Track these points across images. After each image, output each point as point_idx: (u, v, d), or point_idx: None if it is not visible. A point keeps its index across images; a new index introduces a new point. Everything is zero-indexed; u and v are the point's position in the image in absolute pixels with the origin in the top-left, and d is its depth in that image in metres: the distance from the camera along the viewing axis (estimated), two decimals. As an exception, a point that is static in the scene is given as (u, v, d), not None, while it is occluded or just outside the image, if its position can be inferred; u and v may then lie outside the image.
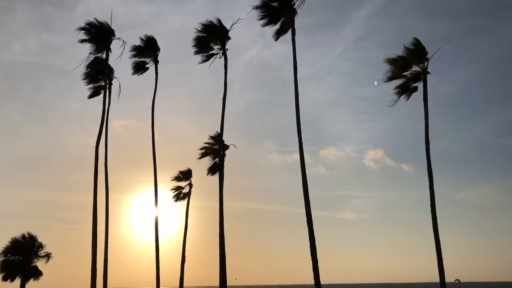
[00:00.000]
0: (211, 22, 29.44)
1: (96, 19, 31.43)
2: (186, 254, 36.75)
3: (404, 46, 23.06)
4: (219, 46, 29.90)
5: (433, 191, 22.40)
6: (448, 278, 22.48)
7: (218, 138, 31.85)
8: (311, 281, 23.72)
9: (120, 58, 32.23)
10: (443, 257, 22.08)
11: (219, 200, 28.21)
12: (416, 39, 23.11)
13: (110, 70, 33.12)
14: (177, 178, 38.35)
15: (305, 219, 24.12)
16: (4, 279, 30.52)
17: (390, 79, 23.86)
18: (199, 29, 29.56)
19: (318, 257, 23.52)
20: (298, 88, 25.58)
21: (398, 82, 24.04)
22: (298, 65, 25.87)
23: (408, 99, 24.09)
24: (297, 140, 25.22)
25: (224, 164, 30.50)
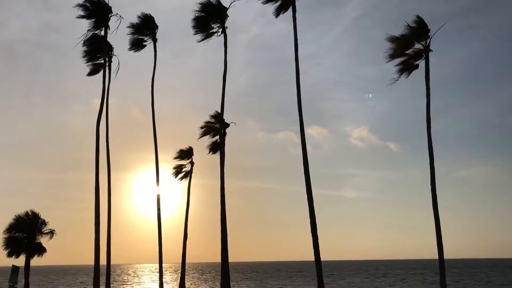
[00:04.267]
0: (209, 0, 29.05)
1: (93, -5, 31.03)
2: (188, 231, 37.22)
3: (406, 23, 22.78)
4: (218, 25, 29.58)
5: (434, 170, 22.46)
6: (447, 255, 22.78)
7: (218, 117, 31.85)
8: (311, 257, 24.08)
9: (115, 32, 31.81)
10: (444, 235, 22.29)
11: (220, 178, 28.41)
12: (418, 16, 22.77)
13: (109, 47, 32.86)
14: (179, 157, 38.50)
15: (305, 196, 24.37)
16: (9, 255, 31.06)
17: (391, 57, 23.61)
18: (197, 9, 29.21)
19: (318, 234, 23.85)
20: (299, 66, 25.49)
21: (399, 60, 23.79)
22: (299, 43, 25.68)
23: (408, 77, 23.87)
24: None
25: (225, 142, 30.65)
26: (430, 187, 22.44)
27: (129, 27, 32.80)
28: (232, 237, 28.73)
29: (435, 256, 22.43)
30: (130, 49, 33.47)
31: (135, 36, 33.29)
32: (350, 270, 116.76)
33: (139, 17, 32.90)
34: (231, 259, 28.25)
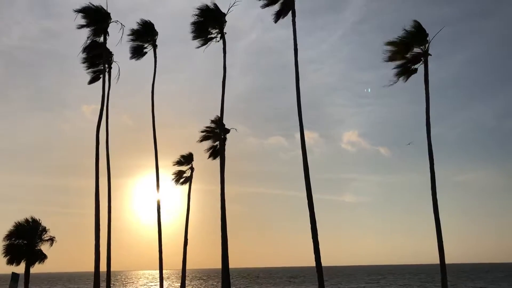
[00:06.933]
0: (207, 6, 29.18)
1: (91, 3, 31.21)
2: (188, 237, 37.10)
3: (405, 28, 22.86)
4: (217, 30, 29.69)
5: (434, 174, 22.44)
6: (448, 260, 22.69)
7: (218, 122, 31.87)
8: (312, 263, 23.98)
9: (120, 42, 32.08)
10: (445, 239, 22.21)
11: (221, 183, 28.35)
12: (416, 21, 22.85)
13: (109, 54, 32.97)
14: (179, 162, 38.47)
15: (303, 201, 24.32)
16: (9, 262, 30.85)
17: (390, 60, 23.67)
18: (195, 14, 29.34)
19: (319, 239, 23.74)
20: (299, 71, 25.54)
21: (398, 63, 23.84)
22: (298, 49, 25.72)
23: (406, 81, 23.91)
24: (298, 123, 25.26)
25: (225, 148, 30.67)
26: (429, 191, 22.41)
27: (129, 34, 33.01)
28: (233, 243, 28.65)
29: (436, 260, 22.35)
30: (131, 57, 33.64)
31: (135, 43, 33.44)
32: (351, 276, 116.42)
33: (139, 23, 33.10)
34: (232, 265, 28.16)
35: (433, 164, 22.48)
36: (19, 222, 31.77)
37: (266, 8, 27.03)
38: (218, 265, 27.99)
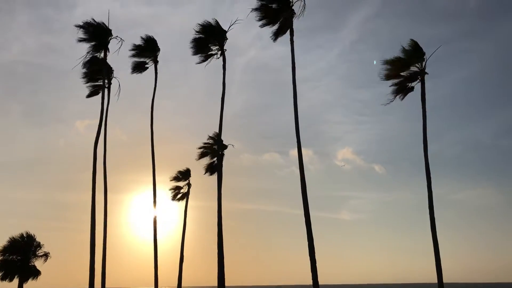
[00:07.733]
0: (209, 23, 29.57)
1: (93, 19, 31.55)
2: (184, 254, 36.80)
3: (402, 46, 23.18)
4: (217, 47, 29.97)
5: (431, 192, 22.46)
6: (446, 279, 22.53)
7: (216, 138, 31.95)
8: (309, 281, 23.77)
9: (117, 53, 32.21)
10: (441, 258, 22.12)
11: (218, 200, 28.26)
12: (412, 40, 23.25)
13: (109, 70, 33.15)
14: (176, 178, 38.43)
15: (302, 219, 24.21)
16: (3, 279, 30.43)
17: (387, 78, 23.91)
18: (197, 30, 29.67)
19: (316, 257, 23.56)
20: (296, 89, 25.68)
21: (395, 81, 24.10)
22: (295, 67, 25.93)
23: (403, 99, 24.16)
24: (295, 141, 25.31)
25: (223, 164, 30.64)
26: (426, 209, 22.42)
27: (132, 49, 33.36)
28: (229, 260, 28.40)
29: (434, 279, 22.22)
30: (133, 72, 33.90)
31: (136, 58, 33.75)
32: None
33: (142, 38, 33.53)
34: (228, 282, 27.88)
35: (430, 182, 22.52)
36: (13, 237, 31.44)
37: (265, 27, 27.35)
38: (214, 282, 27.73)
